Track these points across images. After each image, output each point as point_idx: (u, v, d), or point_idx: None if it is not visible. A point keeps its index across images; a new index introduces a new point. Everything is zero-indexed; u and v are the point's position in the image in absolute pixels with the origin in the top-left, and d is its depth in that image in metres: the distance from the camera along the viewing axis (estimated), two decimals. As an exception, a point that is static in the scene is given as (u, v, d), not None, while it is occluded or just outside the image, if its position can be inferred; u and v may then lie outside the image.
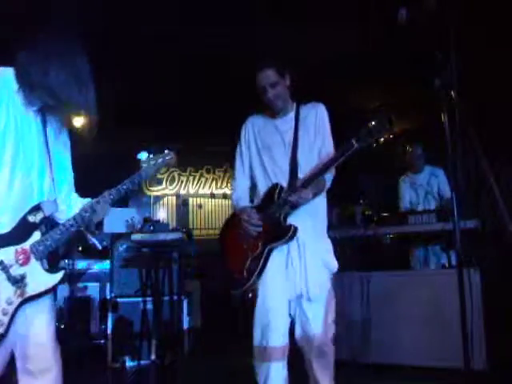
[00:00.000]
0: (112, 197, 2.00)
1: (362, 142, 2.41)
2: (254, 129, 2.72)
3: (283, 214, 2.50)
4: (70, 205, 2.06)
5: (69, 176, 2.12)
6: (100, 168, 6.56)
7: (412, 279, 4.23)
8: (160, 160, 2.13)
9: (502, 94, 5.39)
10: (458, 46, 2.31)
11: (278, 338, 2.48)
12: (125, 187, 2.02)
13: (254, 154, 2.70)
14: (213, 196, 9.60)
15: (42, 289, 1.87)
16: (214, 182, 9.86)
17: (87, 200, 2.04)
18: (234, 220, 2.67)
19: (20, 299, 1.82)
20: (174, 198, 9.59)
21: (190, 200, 9.58)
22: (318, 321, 2.51)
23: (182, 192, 9.66)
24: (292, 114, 2.66)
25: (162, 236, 4.46)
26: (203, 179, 9.84)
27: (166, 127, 7.33)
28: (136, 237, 4.47)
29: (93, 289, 5.66)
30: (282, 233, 2.49)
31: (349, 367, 3.96)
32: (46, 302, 1.95)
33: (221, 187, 9.83)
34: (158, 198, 9.59)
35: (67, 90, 1.87)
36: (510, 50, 4.95)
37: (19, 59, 1.88)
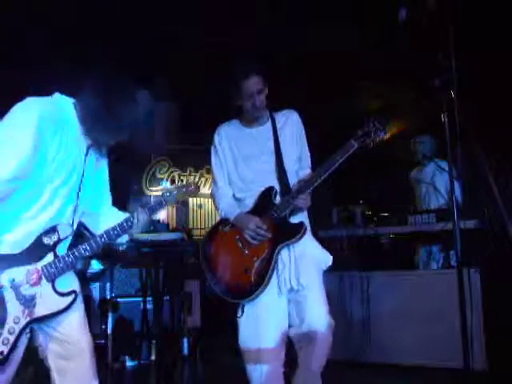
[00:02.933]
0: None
1: (360, 142, 2.44)
2: (228, 139, 2.66)
3: (288, 213, 2.48)
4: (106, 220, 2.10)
5: (105, 196, 2.19)
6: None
7: (412, 279, 4.23)
8: (182, 191, 2.19)
9: (502, 94, 5.39)
10: (457, 46, 2.31)
11: (272, 339, 2.43)
12: (148, 213, 2.11)
13: (230, 165, 2.65)
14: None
15: (51, 311, 1.87)
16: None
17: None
18: (220, 230, 2.60)
19: (28, 319, 1.82)
20: (174, 198, 9.59)
21: (190, 200, 9.58)
22: (314, 305, 2.46)
23: (182, 192, 9.66)
24: (268, 123, 2.64)
25: (162, 236, 4.46)
26: (203, 179, 9.83)
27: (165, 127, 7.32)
28: (136, 237, 4.46)
29: (93, 289, 5.65)
30: (294, 231, 2.46)
31: (349, 367, 3.97)
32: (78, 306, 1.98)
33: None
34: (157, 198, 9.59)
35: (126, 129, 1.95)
36: (510, 49, 4.95)
37: (85, 93, 1.95)
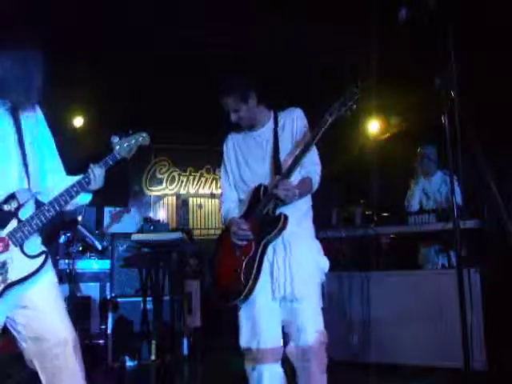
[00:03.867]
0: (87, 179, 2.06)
1: (335, 114, 2.41)
2: (233, 144, 2.73)
3: (270, 209, 2.47)
4: (56, 184, 2.10)
5: (56, 163, 2.19)
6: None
7: (412, 279, 4.23)
8: (133, 141, 2.19)
9: (502, 94, 5.38)
10: (457, 46, 2.31)
11: (269, 339, 2.43)
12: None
13: (234, 169, 2.71)
14: (213, 196, 9.57)
15: (24, 274, 1.90)
16: (214, 182, 9.84)
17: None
18: (223, 236, 2.64)
19: (2, 286, 1.85)
20: (174, 197, 9.58)
21: (190, 200, 9.58)
22: (306, 323, 2.43)
23: (182, 192, 9.65)
24: (269, 124, 2.64)
25: (162, 236, 4.46)
26: (203, 179, 9.83)
27: (165, 127, 7.32)
28: (136, 237, 4.47)
29: (93, 289, 5.66)
30: (273, 224, 2.44)
31: (349, 367, 3.97)
32: (48, 284, 1.99)
33: (221, 187, 9.81)
34: (158, 198, 9.58)
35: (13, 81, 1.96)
36: (510, 49, 4.95)
37: None
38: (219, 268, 2.59)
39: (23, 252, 1.92)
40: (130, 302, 4.72)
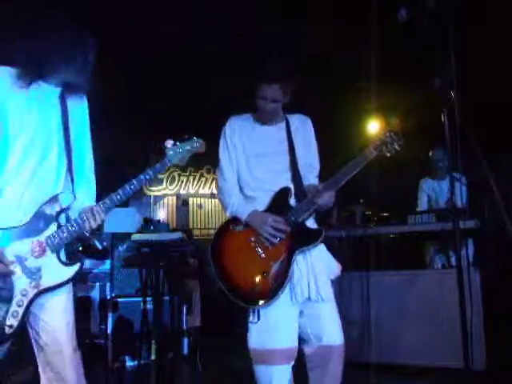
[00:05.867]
0: (122, 194, 1.96)
1: (378, 150, 2.50)
2: (240, 133, 2.57)
3: (306, 218, 2.43)
4: (83, 200, 2.02)
5: (88, 173, 2.08)
6: (96, 168, 6.56)
7: (412, 279, 4.23)
8: (187, 148, 2.08)
9: (502, 94, 5.38)
10: (457, 46, 2.31)
11: (286, 339, 2.38)
12: (147, 177, 2.00)
13: (240, 160, 2.56)
14: (213, 196, 9.60)
15: (57, 281, 1.86)
16: (214, 182, 9.85)
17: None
18: (232, 230, 2.48)
19: (35, 291, 1.81)
20: (174, 197, 9.59)
21: (190, 200, 9.59)
22: (331, 321, 2.42)
23: (182, 192, 9.66)
24: (282, 124, 2.58)
25: (162, 236, 4.45)
26: (203, 179, 9.84)
27: (165, 127, 7.32)
28: (136, 237, 4.46)
29: (93, 289, 5.66)
30: (312, 236, 2.40)
31: (349, 367, 3.96)
32: (63, 295, 1.94)
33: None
34: (158, 198, 9.59)
35: (53, 61, 1.85)
36: (510, 49, 4.95)
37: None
38: (232, 266, 2.40)
39: (59, 258, 1.87)
40: (130, 302, 4.72)
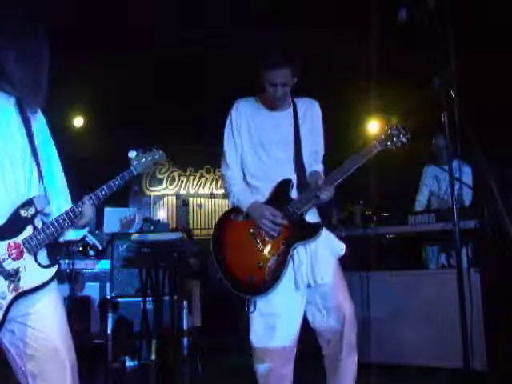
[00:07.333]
0: (94, 199, 1.98)
1: (382, 144, 2.47)
2: (247, 118, 2.52)
3: (306, 211, 2.42)
4: (59, 208, 2.01)
5: (59, 178, 2.09)
6: (96, 168, 6.57)
7: (412, 279, 4.23)
8: (149, 158, 2.19)
9: (502, 94, 5.39)
10: (457, 46, 2.31)
11: (286, 337, 2.38)
12: (116, 183, 2.04)
13: (246, 147, 2.52)
14: (213, 196, 9.59)
15: (36, 283, 1.85)
16: (214, 182, 9.86)
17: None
18: (232, 219, 2.47)
19: (14, 294, 1.80)
20: (174, 197, 9.58)
21: (190, 200, 9.58)
22: (338, 292, 2.43)
23: (182, 192, 9.65)
24: (290, 110, 2.54)
25: (162, 236, 4.46)
26: (203, 179, 9.84)
27: (165, 127, 7.33)
28: (136, 237, 4.46)
29: (93, 289, 5.66)
30: (311, 231, 2.39)
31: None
32: (47, 298, 1.90)
33: (221, 187, 9.83)
34: (158, 198, 9.58)
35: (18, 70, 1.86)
36: (510, 49, 4.95)
37: None
38: (231, 256, 2.41)
39: (36, 260, 1.86)
40: (130, 302, 4.72)
